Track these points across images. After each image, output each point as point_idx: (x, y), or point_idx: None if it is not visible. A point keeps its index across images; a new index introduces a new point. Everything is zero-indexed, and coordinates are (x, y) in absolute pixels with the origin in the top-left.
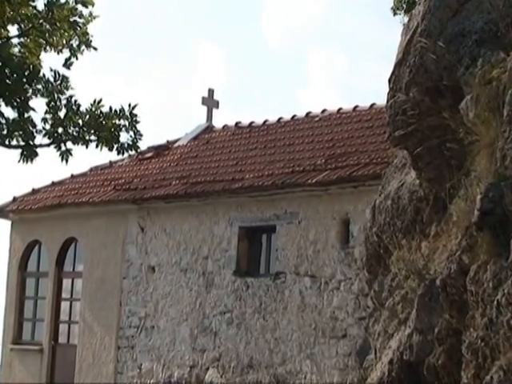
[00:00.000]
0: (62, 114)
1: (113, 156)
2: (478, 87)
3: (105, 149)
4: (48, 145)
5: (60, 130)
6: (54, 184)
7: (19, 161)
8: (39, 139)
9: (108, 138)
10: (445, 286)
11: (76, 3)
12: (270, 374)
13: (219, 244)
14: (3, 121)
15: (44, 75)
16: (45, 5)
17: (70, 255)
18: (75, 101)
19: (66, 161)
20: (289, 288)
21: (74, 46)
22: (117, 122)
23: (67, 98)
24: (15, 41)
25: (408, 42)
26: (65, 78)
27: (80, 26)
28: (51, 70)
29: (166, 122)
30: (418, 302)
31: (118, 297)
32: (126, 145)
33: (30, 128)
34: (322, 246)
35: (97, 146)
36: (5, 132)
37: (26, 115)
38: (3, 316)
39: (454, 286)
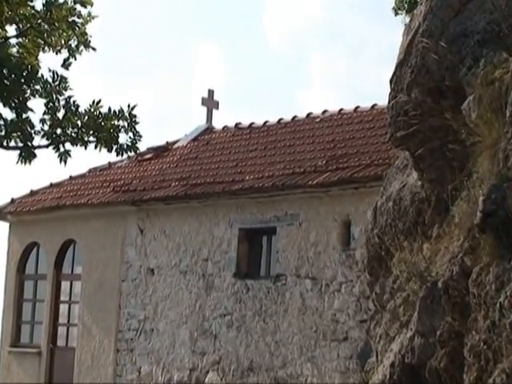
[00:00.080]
0: (60, 114)
1: (112, 157)
2: (481, 88)
3: (104, 150)
4: (46, 146)
5: (58, 130)
6: (52, 185)
7: (17, 162)
8: (37, 140)
9: (107, 139)
10: (447, 288)
11: (75, 3)
12: (271, 377)
13: (219, 246)
14: (1, 122)
15: (42, 76)
16: (43, 5)
17: (68, 257)
18: (74, 101)
19: (65, 162)
20: (289, 290)
21: (73, 46)
22: (116, 122)
23: (66, 99)
24: (13, 41)
25: (410, 42)
26: (63, 79)
27: (79, 26)
28: (50, 71)
29: (165, 122)
30: (419, 304)
31: (117, 299)
32: (125, 146)
33: (29, 129)
34: (322, 248)
35: (96, 147)
36: (3, 133)
37: (24, 116)
38: (1, 319)
39: (456, 289)
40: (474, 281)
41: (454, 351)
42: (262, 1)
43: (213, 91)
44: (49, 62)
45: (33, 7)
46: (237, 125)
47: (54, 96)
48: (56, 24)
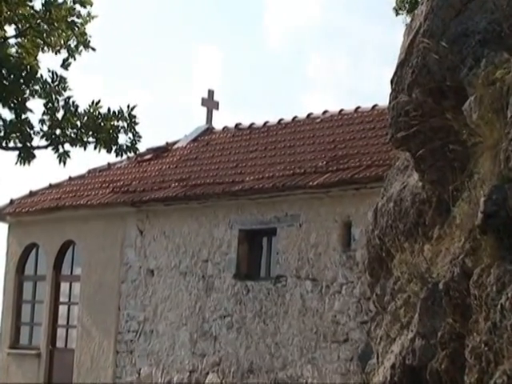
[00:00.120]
0: (59, 115)
1: (111, 158)
2: (482, 88)
3: (103, 151)
4: (46, 146)
5: (58, 131)
6: (51, 186)
7: (16, 163)
8: (37, 141)
9: (106, 140)
10: (448, 289)
11: (74, 3)
12: (271, 378)
13: (219, 247)
14: (0, 122)
15: (41, 76)
16: (42, 5)
17: (67, 258)
18: (73, 102)
19: (64, 163)
20: (290, 292)
21: (72, 46)
22: (115, 123)
23: (65, 99)
24: (12, 41)
25: (410, 42)
26: (63, 79)
27: (78, 26)
28: (49, 71)
29: (165, 123)
30: (420, 305)
31: (116, 301)
32: (124, 146)
33: (28, 129)
34: (323, 249)
35: (95, 148)
36: (2, 134)
37: (23, 116)
38: (0, 320)
39: (457, 290)
40: (474, 282)
41: (455, 353)
42: (261, 1)
43: (213, 92)
44: (48, 62)
45: (32, 7)
46: (237, 125)
47: (54, 96)
48: (55, 24)
